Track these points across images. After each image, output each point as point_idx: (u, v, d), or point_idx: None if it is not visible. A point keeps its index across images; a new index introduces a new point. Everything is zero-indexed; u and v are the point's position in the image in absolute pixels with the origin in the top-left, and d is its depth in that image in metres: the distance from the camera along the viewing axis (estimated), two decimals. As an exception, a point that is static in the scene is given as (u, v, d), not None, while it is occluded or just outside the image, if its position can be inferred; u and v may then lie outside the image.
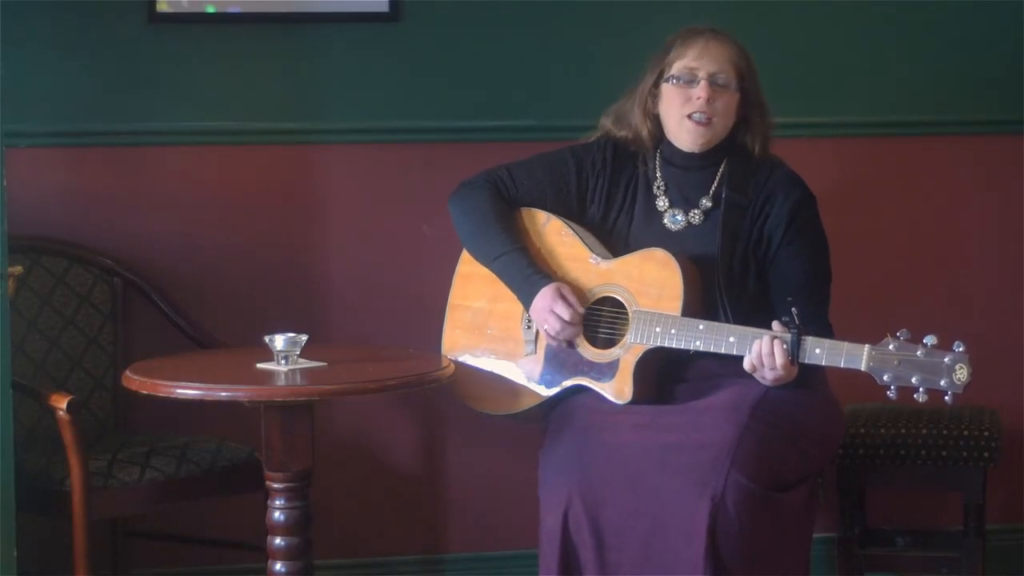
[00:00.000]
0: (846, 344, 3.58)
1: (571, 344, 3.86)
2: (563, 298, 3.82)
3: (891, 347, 3.53)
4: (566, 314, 3.81)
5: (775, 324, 3.64)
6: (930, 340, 3.52)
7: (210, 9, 4.42)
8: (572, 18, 4.52)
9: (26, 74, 4.27)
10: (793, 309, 3.60)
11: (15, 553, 3.65)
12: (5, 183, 3.64)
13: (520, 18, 4.52)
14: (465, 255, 4.05)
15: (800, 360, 3.61)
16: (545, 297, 3.83)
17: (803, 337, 3.60)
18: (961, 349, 3.49)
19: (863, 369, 3.55)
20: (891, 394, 3.52)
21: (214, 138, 4.46)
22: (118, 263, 4.39)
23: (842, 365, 3.58)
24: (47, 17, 4.34)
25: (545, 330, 3.85)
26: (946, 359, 3.49)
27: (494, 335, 3.99)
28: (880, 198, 4.67)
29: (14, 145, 4.21)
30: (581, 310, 3.83)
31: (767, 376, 3.66)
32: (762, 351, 3.62)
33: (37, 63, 4.34)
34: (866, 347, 3.55)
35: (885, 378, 3.53)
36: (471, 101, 4.53)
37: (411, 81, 4.51)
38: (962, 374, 3.48)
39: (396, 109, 4.52)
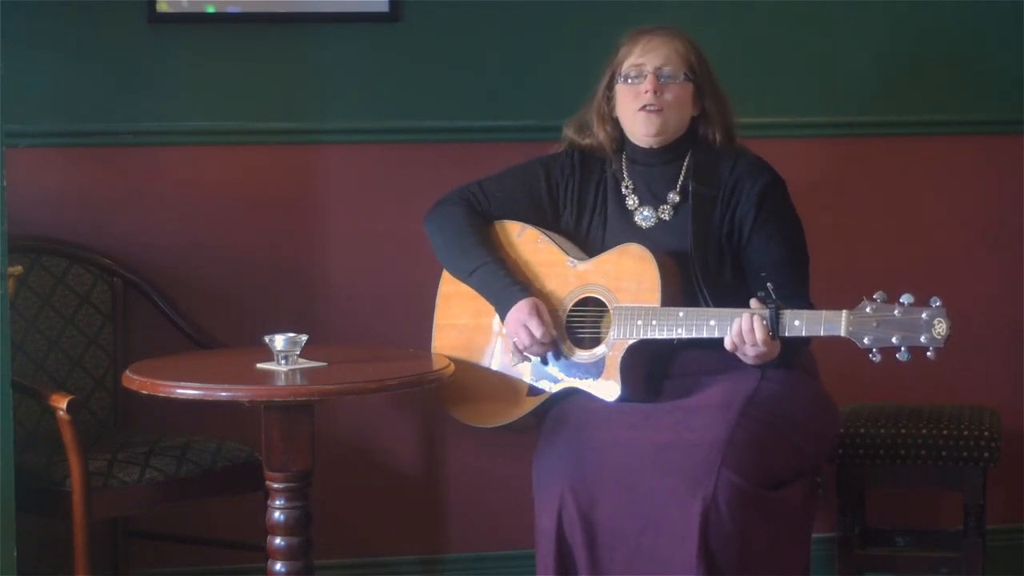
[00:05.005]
0: (824, 312, 3.57)
1: (556, 353, 3.86)
2: (539, 315, 3.83)
3: (868, 309, 3.52)
4: (538, 331, 3.81)
5: (753, 301, 3.63)
6: (907, 299, 3.51)
7: (210, 9, 4.43)
8: (572, 18, 4.52)
9: (26, 74, 4.26)
10: (769, 284, 3.59)
11: (15, 553, 3.65)
12: (5, 183, 3.64)
13: (520, 18, 4.52)
14: (446, 275, 4.06)
15: (780, 334, 3.59)
16: (521, 311, 3.84)
17: (781, 311, 3.59)
18: (938, 304, 3.48)
19: (843, 334, 3.53)
20: (874, 357, 3.50)
21: (214, 138, 4.46)
22: (118, 263, 4.39)
23: (822, 333, 3.56)
24: (47, 17, 4.34)
25: (514, 342, 3.86)
26: (924, 315, 3.48)
27: (481, 349, 3.99)
28: (880, 198, 4.67)
29: (14, 145, 4.22)
30: (554, 332, 3.84)
31: (749, 353, 3.64)
32: (742, 328, 3.61)
33: (37, 63, 4.34)
34: (844, 312, 3.54)
35: (866, 341, 3.51)
36: (471, 101, 4.53)
37: (411, 81, 4.51)
38: (941, 328, 3.47)
39: (396, 109, 4.52)
